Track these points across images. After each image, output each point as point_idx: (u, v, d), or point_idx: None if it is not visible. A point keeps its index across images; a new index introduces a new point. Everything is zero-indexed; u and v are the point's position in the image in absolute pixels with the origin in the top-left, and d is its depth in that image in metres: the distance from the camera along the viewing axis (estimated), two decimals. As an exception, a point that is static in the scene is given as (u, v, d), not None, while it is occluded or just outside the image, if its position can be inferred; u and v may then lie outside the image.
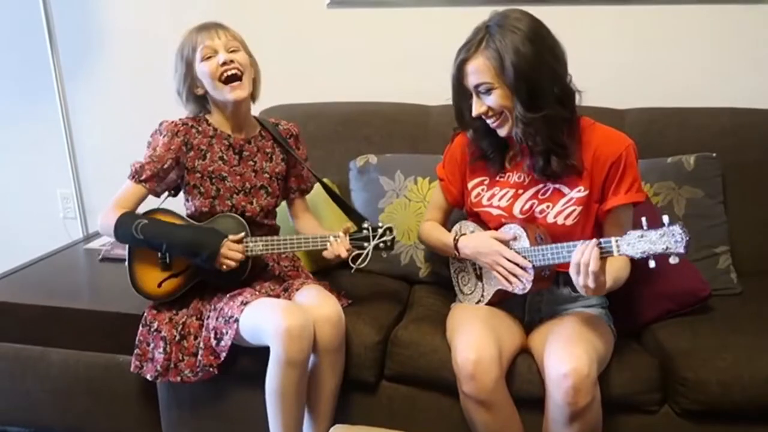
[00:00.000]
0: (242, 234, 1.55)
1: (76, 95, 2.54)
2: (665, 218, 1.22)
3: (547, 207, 1.48)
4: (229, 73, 1.52)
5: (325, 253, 1.54)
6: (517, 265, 1.41)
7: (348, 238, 1.54)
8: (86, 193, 2.67)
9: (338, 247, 1.52)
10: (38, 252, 2.15)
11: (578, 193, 1.46)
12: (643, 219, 1.26)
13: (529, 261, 1.40)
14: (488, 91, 1.39)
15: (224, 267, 1.51)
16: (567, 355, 1.30)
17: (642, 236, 1.23)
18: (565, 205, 1.47)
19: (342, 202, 1.72)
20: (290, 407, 1.44)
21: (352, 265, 1.53)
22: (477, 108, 1.43)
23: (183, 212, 1.64)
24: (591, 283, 1.27)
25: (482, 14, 2.11)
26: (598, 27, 2.11)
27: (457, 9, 2.18)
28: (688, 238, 1.19)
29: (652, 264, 1.24)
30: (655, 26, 2.11)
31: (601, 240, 1.28)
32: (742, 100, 2.02)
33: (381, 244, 1.56)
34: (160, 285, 1.58)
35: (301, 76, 2.33)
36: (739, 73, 2.10)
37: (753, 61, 2.08)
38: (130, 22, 2.41)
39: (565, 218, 1.46)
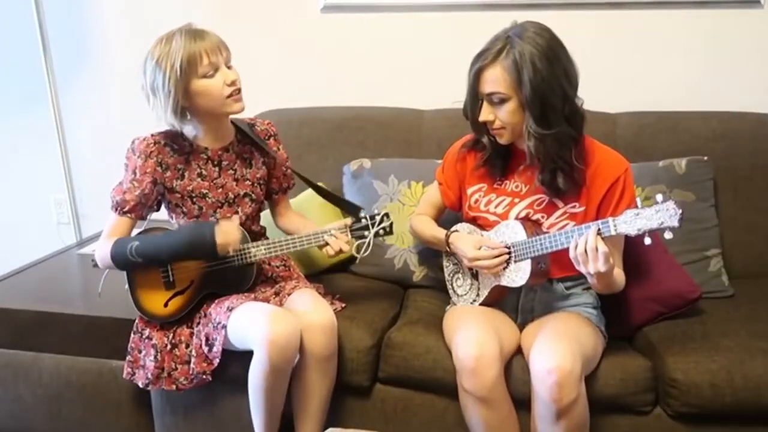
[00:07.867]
0: (236, 217, 1.56)
1: (70, 100, 2.54)
2: (659, 196, 1.25)
3: (542, 217, 1.51)
4: (236, 92, 1.48)
5: (326, 251, 1.54)
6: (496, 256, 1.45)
7: (348, 231, 1.55)
8: (80, 199, 2.66)
9: (338, 243, 1.53)
10: (31, 257, 2.14)
11: (572, 209, 1.49)
12: (638, 199, 1.30)
13: (528, 253, 1.42)
14: (501, 102, 1.40)
15: (230, 251, 1.49)
16: (551, 351, 1.32)
17: (637, 214, 1.27)
18: (558, 218, 1.50)
19: (334, 196, 1.74)
20: (270, 404, 1.47)
21: (356, 254, 1.57)
22: (484, 114, 1.44)
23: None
24: (602, 267, 1.28)
25: (475, 20, 2.15)
26: (590, 32, 2.12)
27: (450, 14, 2.19)
28: (681, 212, 1.22)
29: (647, 241, 1.27)
30: (647, 31, 2.12)
31: (599, 222, 1.31)
32: (734, 104, 2.03)
33: (381, 231, 1.58)
34: (166, 304, 1.56)
35: (294, 80, 2.34)
36: (731, 77, 2.11)
37: (744, 65, 2.09)
38: (124, 28, 2.42)
39: (558, 231, 1.48)
